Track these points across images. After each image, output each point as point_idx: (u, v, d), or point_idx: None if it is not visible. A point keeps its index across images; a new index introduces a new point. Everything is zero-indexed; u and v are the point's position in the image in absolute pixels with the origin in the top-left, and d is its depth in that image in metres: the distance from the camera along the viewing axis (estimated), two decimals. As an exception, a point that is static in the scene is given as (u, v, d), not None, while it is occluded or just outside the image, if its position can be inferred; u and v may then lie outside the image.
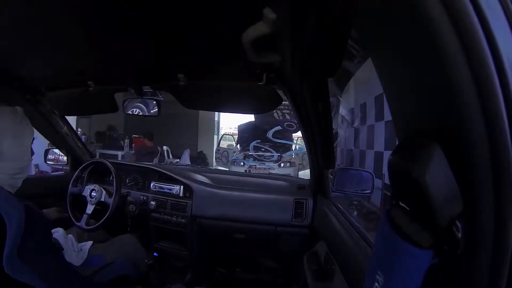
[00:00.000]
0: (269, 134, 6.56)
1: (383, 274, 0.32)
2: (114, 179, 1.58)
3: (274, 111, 5.71)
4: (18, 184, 0.92)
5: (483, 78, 0.25)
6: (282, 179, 1.94)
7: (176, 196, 1.67)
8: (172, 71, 1.07)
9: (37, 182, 1.86)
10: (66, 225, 1.30)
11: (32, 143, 0.98)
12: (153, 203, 1.67)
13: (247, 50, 0.68)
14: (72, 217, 1.54)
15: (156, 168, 1.82)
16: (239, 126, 7.76)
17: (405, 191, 0.32)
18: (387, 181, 2.95)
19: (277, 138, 6.64)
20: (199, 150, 8.23)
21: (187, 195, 1.66)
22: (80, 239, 1.35)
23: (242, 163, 6.47)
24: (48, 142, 1.91)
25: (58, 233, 1.14)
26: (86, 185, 1.63)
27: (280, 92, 1.06)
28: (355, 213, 3.21)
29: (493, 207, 0.26)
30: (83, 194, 1.59)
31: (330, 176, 1.43)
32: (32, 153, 0.98)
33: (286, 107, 5.53)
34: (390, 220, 0.32)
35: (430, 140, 0.28)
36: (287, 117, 6.01)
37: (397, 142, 0.36)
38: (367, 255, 0.82)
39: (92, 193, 1.57)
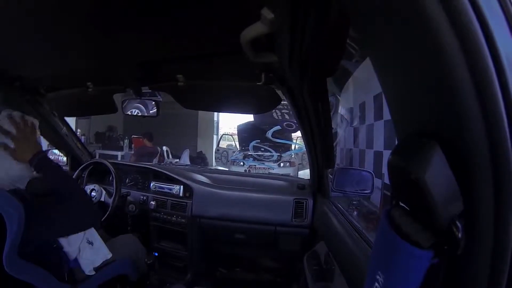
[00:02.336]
0: (269, 134, 6.55)
1: (383, 274, 0.32)
2: (114, 179, 1.58)
3: (273, 111, 5.71)
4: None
5: (482, 77, 0.25)
6: (282, 179, 1.94)
7: (176, 196, 1.67)
8: (171, 71, 1.07)
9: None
10: None
11: None
12: (153, 203, 1.67)
13: (245, 50, 0.68)
14: None
15: (156, 168, 1.82)
16: (238, 126, 7.75)
17: (405, 191, 0.32)
18: (386, 181, 2.95)
19: (277, 138, 6.63)
20: (198, 150, 8.24)
21: (187, 195, 1.66)
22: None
23: (241, 163, 6.47)
24: (48, 142, 1.91)
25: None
26: (86, 185, 1.63)
27: (279, 92, 1.06)
28: (355, 213, 3.21)
29: (493, 207, 0.26)
30: None
31: (330, 176, 1.43)
32: None
33: (285, 107, 5.52)
34: (390, 220, 0.32)
35: (430, 140, 0.28)
36: (286, 116, 6.00)
37: (396, 142, 0.36)
38: (367, 255, 0.82)
39: (92, 193, 1.57)
